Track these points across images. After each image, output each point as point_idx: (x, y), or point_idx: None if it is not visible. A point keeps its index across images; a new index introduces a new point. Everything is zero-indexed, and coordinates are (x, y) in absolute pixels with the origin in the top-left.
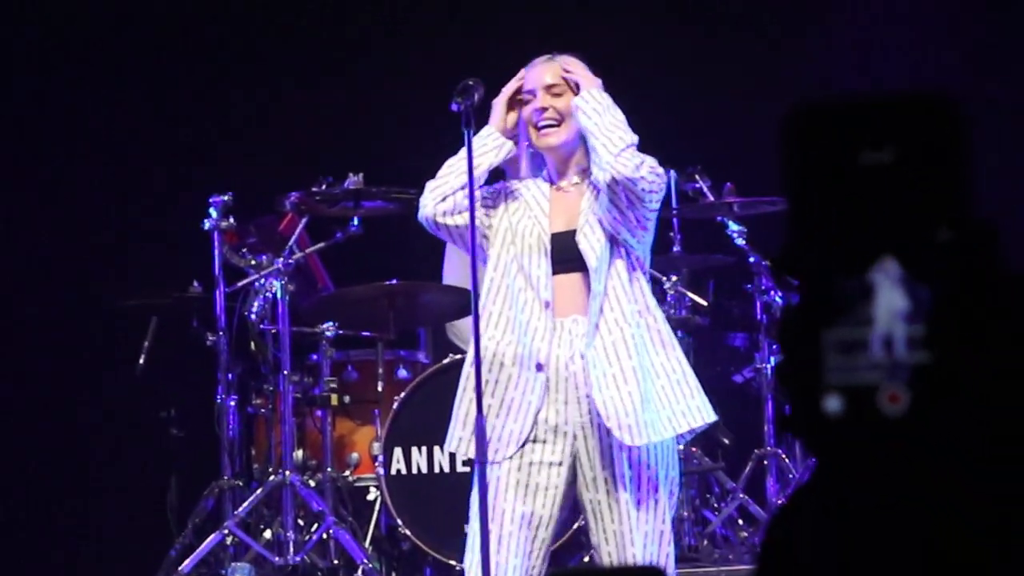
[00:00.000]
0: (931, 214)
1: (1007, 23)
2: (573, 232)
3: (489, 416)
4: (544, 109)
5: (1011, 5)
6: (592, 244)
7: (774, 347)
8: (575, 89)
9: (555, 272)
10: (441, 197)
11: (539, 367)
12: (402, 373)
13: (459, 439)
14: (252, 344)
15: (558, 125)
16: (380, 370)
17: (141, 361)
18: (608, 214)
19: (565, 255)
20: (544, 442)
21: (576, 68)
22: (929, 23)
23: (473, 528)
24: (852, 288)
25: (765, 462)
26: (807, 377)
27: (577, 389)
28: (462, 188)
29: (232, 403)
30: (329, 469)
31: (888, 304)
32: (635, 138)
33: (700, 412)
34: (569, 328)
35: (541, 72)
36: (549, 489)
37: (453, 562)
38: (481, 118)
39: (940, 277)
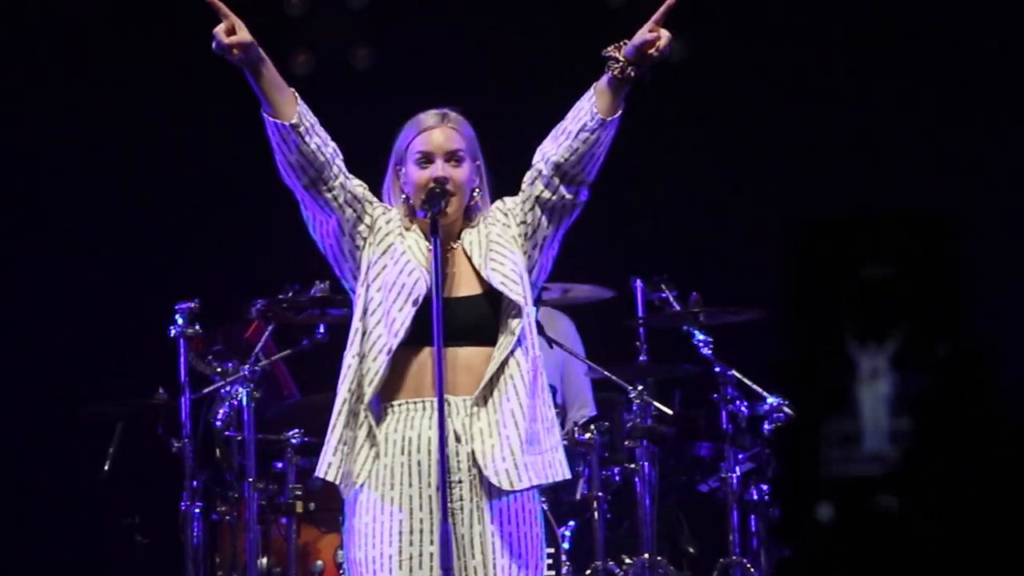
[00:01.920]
0: (930, 329)
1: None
2: (467, 298)
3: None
4: (445, 180)
5: None
6: (508, 282)
7: (739, 456)
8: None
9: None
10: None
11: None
12: None
13: (329, 464)
14: (217, 451)
15: (453, 196)
16: None
17: (106, 468)
18: (543, 216)
19: (458, 326)
20: (423, 532)
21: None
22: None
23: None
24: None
25: (730, 571)
26: (801, 485)
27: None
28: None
29: (197, 510)
30: None
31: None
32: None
33: None
34: (458, 408)
35: (439, 136)
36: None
37: None
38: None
39: (937, 390)
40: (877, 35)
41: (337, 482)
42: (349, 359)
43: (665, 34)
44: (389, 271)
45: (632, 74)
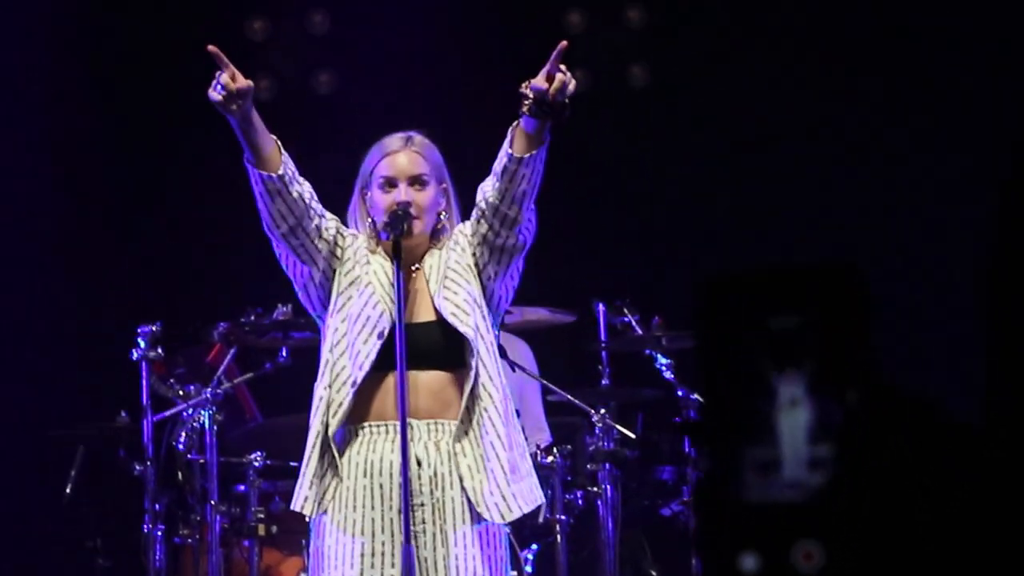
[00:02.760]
0: (839, 377)
1: None
2: (425, 324)
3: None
4: (407, 204)
5: None
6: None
7: None
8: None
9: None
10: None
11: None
12: None
13: (305, 498)
14: (179, 474)
15: (417, 219)
16: None
17: (68, 491)
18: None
19: (420, 350)
20: (384, 555)
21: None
22: None
23: None
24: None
25: None
26: (721, 537)
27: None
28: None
29: (159, 533)
30: None
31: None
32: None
33: None
34: (420, 431)
35: (401, 161)
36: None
37: None
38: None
39: (848, 436)
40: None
41: (312, 516)
42: (320, 391)
43: (561, 78)
44: (355, 303)
45: (539, 112)
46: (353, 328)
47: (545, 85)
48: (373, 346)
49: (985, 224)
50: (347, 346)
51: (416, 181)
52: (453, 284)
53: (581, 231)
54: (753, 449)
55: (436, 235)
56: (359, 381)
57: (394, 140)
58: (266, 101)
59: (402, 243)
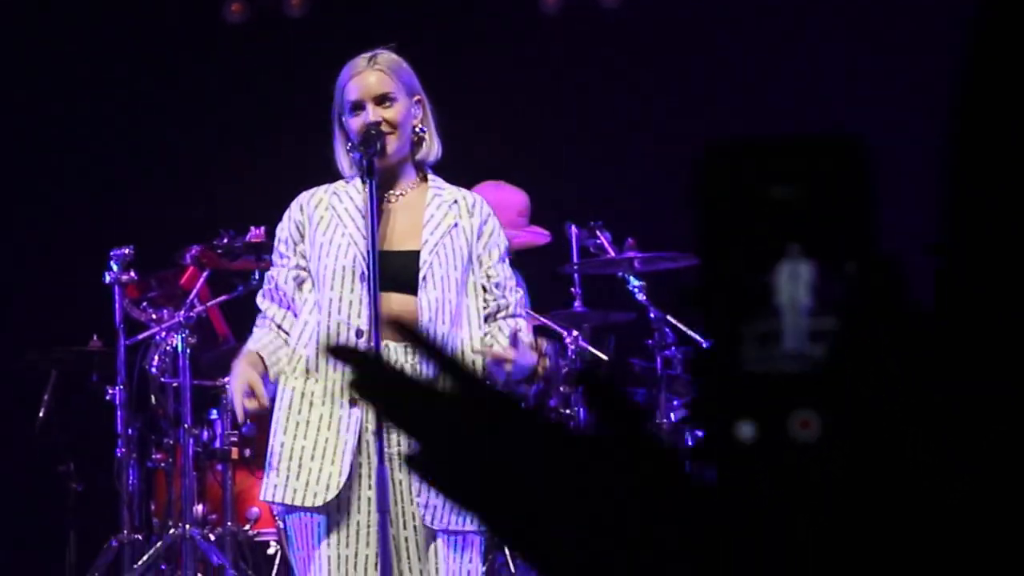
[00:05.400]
0: (837, 248)
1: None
2: (409, 253)
3: (304, 459)
4: (377, 123)
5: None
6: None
7: (674, 403)
8: (408, 93)
9: (383, 290)
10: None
11: (352, 403)
12: None
13: (274, 486)
14: (152, 398)
15: (392, 135)
16: None
17: (40, 415)
18: None
19: (397, 276)
20: (361, 476)
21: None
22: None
23: None
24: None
25: None
26: (719, 406)
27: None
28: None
29: (132, 457)
30: (229, 523)
31: (792, 298)
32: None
33: None
34: (397, 352)
35: (366, 81)
36: (372, 527)
37: None
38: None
39: (846, 308)
40: None
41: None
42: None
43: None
44: (325, 239)
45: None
46: (325, 257)
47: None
48: (344, 269)
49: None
50: (321, 273)
51: (384, 99)
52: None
53: (553, 152)
54: (753, 320)
55: (417, 149)
56: (330, 304)
57: (358, 61)
58: (238, 24)
59: (378, 163)
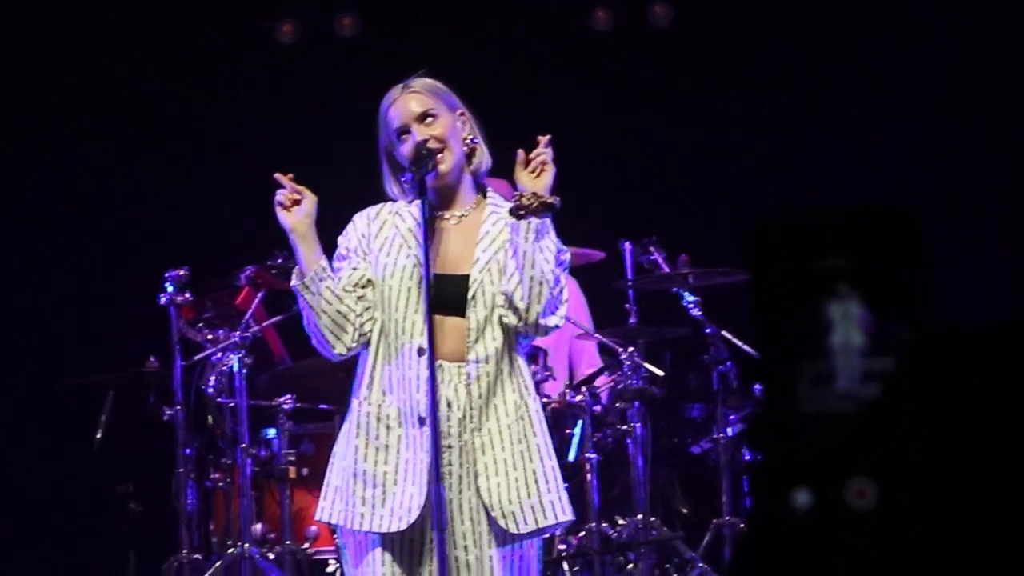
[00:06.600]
0: (891, 318)
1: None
2: (460, 277)
3: (387, 484)
4: (425, 141)
5: None
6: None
7: (730, 417)
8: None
9: (437, 312)
10: (340, 347)
11: (421, 421)
12: None
13: (361, 515)
14: (209, 418)
15: (442, 151)
16: None
17: (98, 436)
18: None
19: (448, 300)
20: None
21: (442, 109)
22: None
23: None
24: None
25: (723, 531)
26: (777, 474)
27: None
28: (340, 327)
29: (190, 477)
30: (288, 542)
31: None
32: (560, 278)
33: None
34: (451, 372)
35: (406, 105)
36: (427, 545)
37: None
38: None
39: (903, 378)
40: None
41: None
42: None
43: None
44: (390, 270)
45: (521, 216)
46: (390, 277)
47: (524, 184)
48: (410, 291)
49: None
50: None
51: (426, 117)
52: (498, 266)
53: (608, 170)
54: (807, 363)
55: (471, 161)
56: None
57: (394, 91)
58: (289, 45)
59: (434, 181)
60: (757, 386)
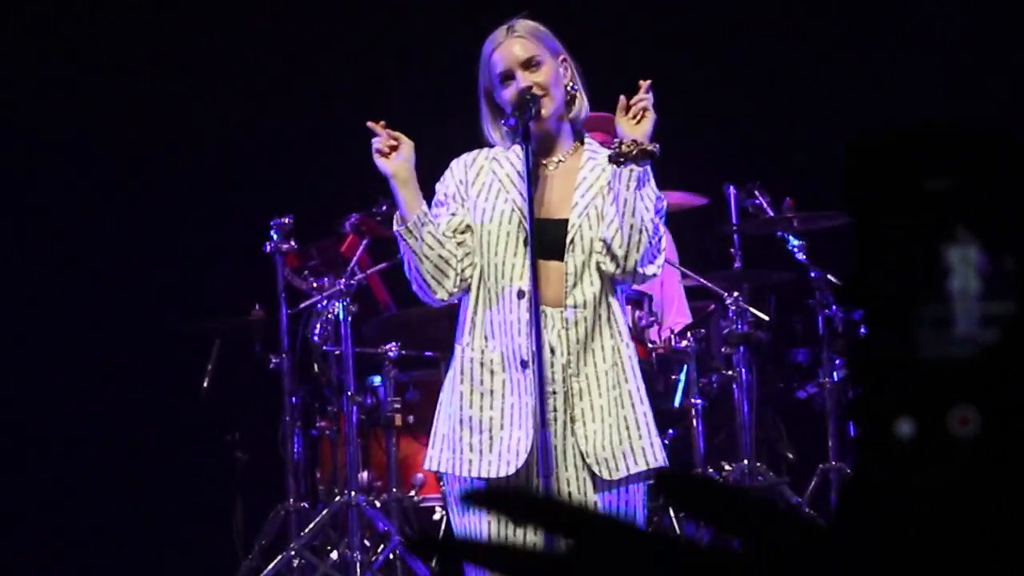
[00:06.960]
0: (994, 243)
1: None
2: (560, 221)
3: (494, 430)
4: (529, 87)
5: None
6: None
7: (836, 362)
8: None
9: (539, 257)
10: (442, 293)
11: (523, 364)
12: None
13: (469, 461)
14: (315, 366)
15: (545, 98)
16: None
17: (205, 385)
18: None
19: (550, 243)
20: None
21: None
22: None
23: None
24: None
25: (829, 477)
26: (877, 404)
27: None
28: (442, 271)
29: (296, 425)
30: (394, 489)
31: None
32: (660, 227)
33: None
34: (554, 318)
35: (510, 50)
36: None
37: None
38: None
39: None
40: None
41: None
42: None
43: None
44: (488, 215)
45: (621, 162)
46: (488, 222)
47: (624, 130)
48: (509, 235)
49: None
50: (484, 239)
51: (530, 64)
52: (597, 211)
53: (712, 114)
54: (924, 306)
55: (570, 107)
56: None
57: (498, 34)
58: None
59: (535, 127)
60: (863, 330)
